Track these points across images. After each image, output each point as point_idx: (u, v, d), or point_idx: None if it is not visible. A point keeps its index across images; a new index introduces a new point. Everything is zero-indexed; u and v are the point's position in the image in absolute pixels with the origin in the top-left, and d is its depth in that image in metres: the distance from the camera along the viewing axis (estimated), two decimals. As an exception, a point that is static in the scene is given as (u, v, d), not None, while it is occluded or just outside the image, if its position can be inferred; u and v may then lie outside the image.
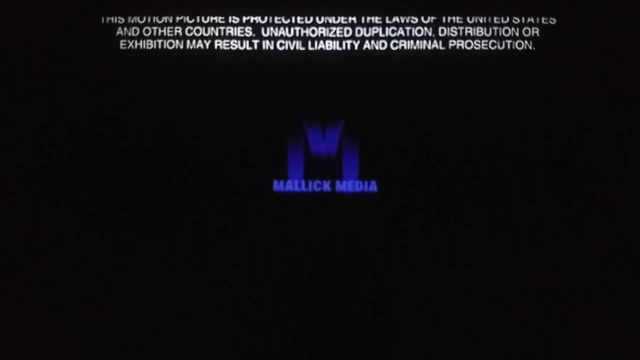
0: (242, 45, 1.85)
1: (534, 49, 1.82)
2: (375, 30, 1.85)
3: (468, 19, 1.84)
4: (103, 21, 1.83)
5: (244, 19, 1.85)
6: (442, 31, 1.84)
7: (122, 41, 1.84)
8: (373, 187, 1.82)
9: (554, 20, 1.82)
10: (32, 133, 1.80)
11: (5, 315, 1.76)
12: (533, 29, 1.83)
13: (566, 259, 1.78)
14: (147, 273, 1.78)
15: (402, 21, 1.85)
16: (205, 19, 1.85)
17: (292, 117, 1.82)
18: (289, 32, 1.86)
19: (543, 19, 1.83)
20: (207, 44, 1.85)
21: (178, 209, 1.80)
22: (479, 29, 1.84)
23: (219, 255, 1.79)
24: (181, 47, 1.84)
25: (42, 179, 1.79)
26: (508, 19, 1.84)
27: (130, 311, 1.77)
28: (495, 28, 1.84)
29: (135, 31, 1.84)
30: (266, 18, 1.85)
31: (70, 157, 1.80)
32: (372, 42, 1.85)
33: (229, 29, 1.85)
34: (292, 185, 1.82)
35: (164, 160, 1.81)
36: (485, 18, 1.85)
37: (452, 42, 1.84)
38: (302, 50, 1.86)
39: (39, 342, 1.75)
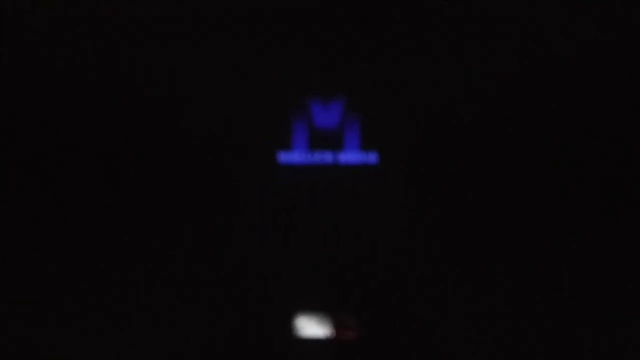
0: (246, 20, 1.87)
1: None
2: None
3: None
4: None
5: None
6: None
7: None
8: (374, 158, 1.85)
9: None
10: (35, 105, 1.88)
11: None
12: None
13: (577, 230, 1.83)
14: (155, 244, 1.83)
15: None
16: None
17: (294, 91, 1.87)
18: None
19: None
20: (212, 19, 1.86)
21: (184, 181, 1.85)
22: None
23: (225, 226, 1.85)
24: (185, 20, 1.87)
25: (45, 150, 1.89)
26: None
27: (141, 283, 1.84)
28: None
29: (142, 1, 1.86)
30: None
31: (77, 125, 1.88)
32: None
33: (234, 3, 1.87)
34: (296, 156, 1.86)
35: (168, 134, 1.86)
36: None
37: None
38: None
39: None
